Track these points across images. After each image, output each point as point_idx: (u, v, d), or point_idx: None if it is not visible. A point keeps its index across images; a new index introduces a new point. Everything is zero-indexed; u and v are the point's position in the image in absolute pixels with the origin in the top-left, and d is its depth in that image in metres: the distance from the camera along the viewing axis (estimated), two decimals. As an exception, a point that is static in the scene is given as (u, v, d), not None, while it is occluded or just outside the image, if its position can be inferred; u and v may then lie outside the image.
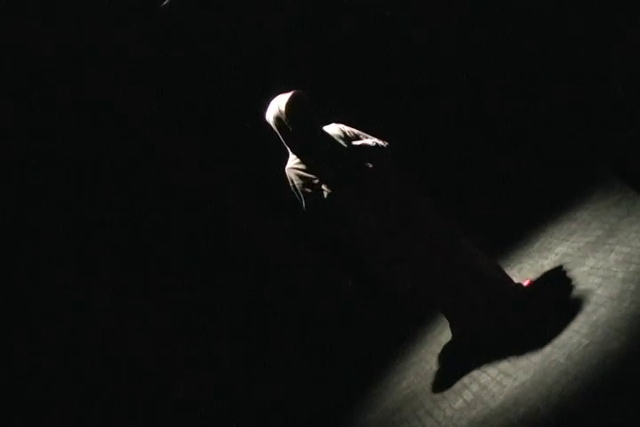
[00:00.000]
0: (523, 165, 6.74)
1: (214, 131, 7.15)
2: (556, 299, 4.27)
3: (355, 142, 4.38)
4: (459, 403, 4.04)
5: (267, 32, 6.85)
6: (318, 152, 4.31)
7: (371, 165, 4.28)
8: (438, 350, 5.11)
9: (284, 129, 4.25)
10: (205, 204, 7.08)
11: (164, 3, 6.41)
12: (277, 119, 4.24)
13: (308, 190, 4.27)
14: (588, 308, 3.83)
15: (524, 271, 5.10)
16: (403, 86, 7.16)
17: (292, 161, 4.35)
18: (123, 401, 6.38)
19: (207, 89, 7.03)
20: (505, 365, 4.00)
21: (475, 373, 4.22)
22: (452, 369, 4.56)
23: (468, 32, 6.40)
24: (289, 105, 4.19)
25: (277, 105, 4.25)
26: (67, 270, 6.59)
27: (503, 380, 3.85)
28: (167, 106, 6.95)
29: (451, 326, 4.73)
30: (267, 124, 4.32)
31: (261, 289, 7.09)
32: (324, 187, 4.26)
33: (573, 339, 3.63)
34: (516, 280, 4.65)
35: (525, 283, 4.56)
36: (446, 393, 4.29)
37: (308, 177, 4.27)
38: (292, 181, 4.33)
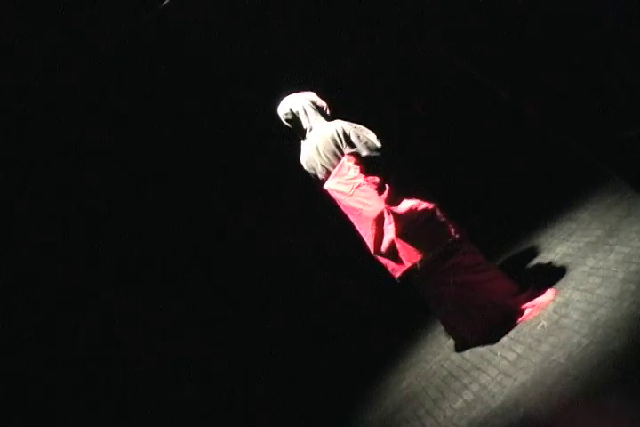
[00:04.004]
0: (523, 165, 6.74)
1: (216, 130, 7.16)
2: (556, 299, 4.28)
3: None
4: (459, 403, 4.04)
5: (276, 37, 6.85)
6: None
7: None
8: (438, 350, 5.11)
9: (320, 106, 4.92)
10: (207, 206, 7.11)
11: (165, 2, 6.40)
12: (312, 101, 4.90)
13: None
14: (588, 308, 3.82)
15: (524, 271, 5.10)
16: (401, 84, 7.17)
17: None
18: (122, 401, 6.38)
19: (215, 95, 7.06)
20: (505, 365, 4.00)
21: (475, 373, 4.21)
22: (452, 369, 4.56)
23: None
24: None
25: (305, 94, 4.95)
26: (67, 269, 6.59)
27: (503, 380, 3.84)
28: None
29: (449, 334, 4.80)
30: (282, 118, 4.93)
31: (261, 288, 7.09)
32: None
33: (573, 339, 3.63)
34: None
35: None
36: (446, 393, 4.29)
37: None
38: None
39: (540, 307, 4.32)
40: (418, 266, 4.50)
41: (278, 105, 5.00)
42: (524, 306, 4.41)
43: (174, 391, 6.53)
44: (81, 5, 6.29)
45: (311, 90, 5.03)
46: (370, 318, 6.80)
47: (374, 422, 4.93)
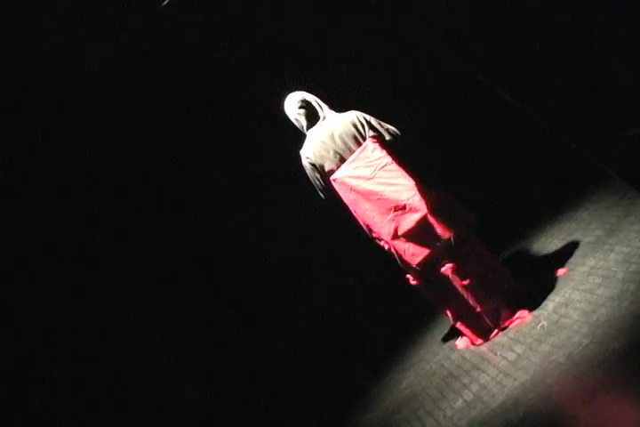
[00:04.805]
0: (522, 165, 6.74)
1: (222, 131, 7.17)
2: (556, 299, 4.28)
3: None
4: (459, 403, 4.04)
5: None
6: None
7: None
8: (438, 350, 5.11)
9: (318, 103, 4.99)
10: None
11: (164, 2, 6.40)
12: (315, 98, 4.96)
13: None
14: (588, 308, 3.83)
15: (524, 271, 5.10)
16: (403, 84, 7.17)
17: None
18: (122, 401, 6.39)
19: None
20: (505, 365, 4.00)
21: (475, 373, 4.21)
22: (452, 369, 4.56)
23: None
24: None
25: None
26: (67, 269, 6.59)
27: (503, 380, 3.84)
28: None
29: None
30: (294, 106, 4.93)
31: (260, 288, 7.09)
32: None
33: (573, 339, 3.63)
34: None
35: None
36: (446, 393, 4.29)
37: None
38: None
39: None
40: (452, 240, 4.47)
41: (280, 103, 4.96)
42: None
43: (174, 391, 6.53)
44: (81, 5, 6.29)
45: (313, 92, 5.03)
46: (370, 318, 6.80)
47: (374, 422, 4.93)
